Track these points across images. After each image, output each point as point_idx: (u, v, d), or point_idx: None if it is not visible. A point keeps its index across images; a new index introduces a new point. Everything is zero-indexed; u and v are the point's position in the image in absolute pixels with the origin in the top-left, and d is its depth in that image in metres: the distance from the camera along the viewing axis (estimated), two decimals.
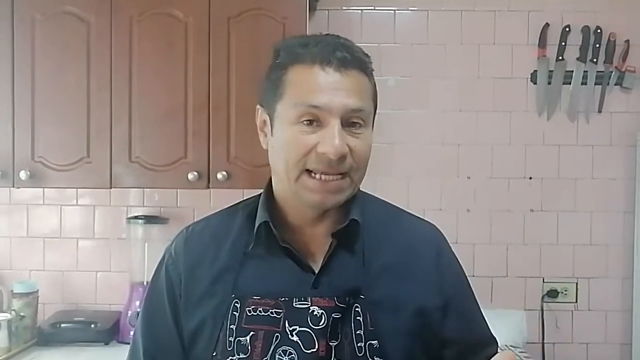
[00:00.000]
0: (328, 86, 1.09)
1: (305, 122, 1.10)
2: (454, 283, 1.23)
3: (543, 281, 2.79)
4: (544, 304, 2.77)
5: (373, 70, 1.17)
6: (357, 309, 1.13)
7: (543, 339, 2.76)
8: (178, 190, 2.73)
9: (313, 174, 1.11)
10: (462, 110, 2.79)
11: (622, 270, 2.79)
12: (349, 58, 1.11)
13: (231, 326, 1.14)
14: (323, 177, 1.10)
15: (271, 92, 1.15)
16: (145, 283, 2.58)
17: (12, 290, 2.53)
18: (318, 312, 1.12)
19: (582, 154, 2.79)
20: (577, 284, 2.79)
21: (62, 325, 2.53)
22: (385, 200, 1.32)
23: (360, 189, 1.23)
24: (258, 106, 1.21)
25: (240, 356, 1.12)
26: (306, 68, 1.11)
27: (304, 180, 1.11)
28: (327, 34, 1.18)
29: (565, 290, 2.78)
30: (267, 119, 1.17)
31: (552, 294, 2.77)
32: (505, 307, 2.67)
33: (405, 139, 2.78)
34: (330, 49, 1.11)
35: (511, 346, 2.48)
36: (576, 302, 2.80)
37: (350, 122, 1.10)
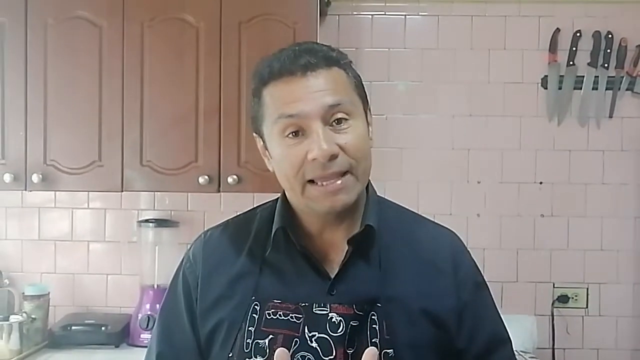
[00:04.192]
0: (299, 93, 1.09)
1: (290, 136, 1.10)
2: (472, 293, 1.21)
3: (553, 286, 2.78)
4: (555, 309, 2.76)
5: (349, 62, 1.17)
6: (373, 317, 1.12)
7: (553, 344, 2.75)
8: (189, 193, 2.74)
9: (315, 183, 1.11)
10: (472, 115, 2.78)
11: (633, 276, 2.77)
12: (313, 61, 1.10)
13: (249, 328, 1.14)
14: (325, 182, 1.10)
15: (256, 118, 1.17)
16: (155, 286, 2.59)
17: (23, 293, 2.54)
18: (337, 319, 1.11)
19: (592, 159, 2.78)
20: (587, 289, 2.78)
21: (73, 327, 2.53)
22: (403, 205, 1.31)
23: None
24: (254, 134, 1.22)
25: (258, 359, 1.11)
26: (275, 85, 1.12)
27: (309, 192, 1.12)
28: (291, 45, 1.17)
29: (576, 296, 2.77)
30: (263, 144, 1.19)
31: (563, 299, 2.76)
32: (516, 313, 2.64)
33: (415, 143, 2.77)
34: (292, 57, 1.11)
35: (521, 351, 2.48)
36: (587, 307, 2.78)
37: (333, 120, 1.10)
